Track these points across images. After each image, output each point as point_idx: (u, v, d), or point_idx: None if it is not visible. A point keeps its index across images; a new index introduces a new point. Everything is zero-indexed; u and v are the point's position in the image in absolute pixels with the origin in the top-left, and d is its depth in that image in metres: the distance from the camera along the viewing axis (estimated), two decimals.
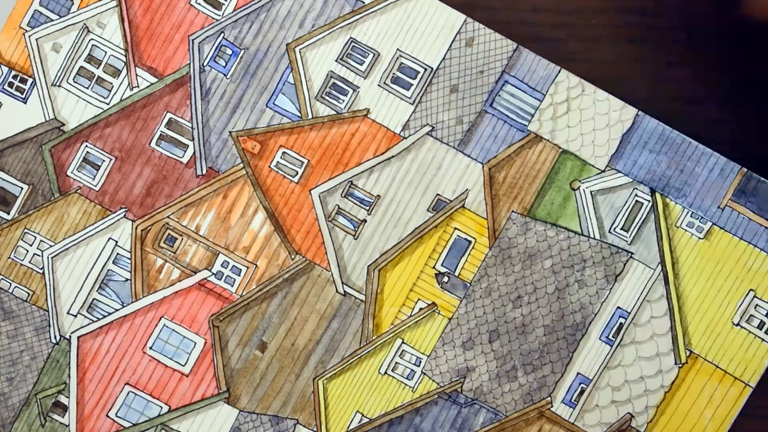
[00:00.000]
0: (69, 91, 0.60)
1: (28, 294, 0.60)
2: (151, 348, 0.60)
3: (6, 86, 0.59)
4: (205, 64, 0.60)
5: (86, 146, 0.60)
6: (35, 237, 0.60)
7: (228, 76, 0.59)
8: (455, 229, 0.60)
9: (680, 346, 0.59)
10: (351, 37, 0.59)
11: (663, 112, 0.60)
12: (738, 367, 0.59)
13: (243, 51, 0.59)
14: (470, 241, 0.60)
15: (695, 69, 0.62)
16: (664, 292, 0.59)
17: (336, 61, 0.60)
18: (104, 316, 0.60)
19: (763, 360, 0.59)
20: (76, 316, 0.60)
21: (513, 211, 0.60)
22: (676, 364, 0.59)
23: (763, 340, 0.59)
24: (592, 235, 0.59)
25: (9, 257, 0.60)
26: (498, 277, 0.60)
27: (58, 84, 0.59)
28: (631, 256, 0.59)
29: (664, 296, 0.59)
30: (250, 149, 0.60)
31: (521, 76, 0.59)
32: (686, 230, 0.59)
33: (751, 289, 0.59)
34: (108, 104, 0.60)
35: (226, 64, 0.59)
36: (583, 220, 0.60)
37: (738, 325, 0.59)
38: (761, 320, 0.59)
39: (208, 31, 0.59)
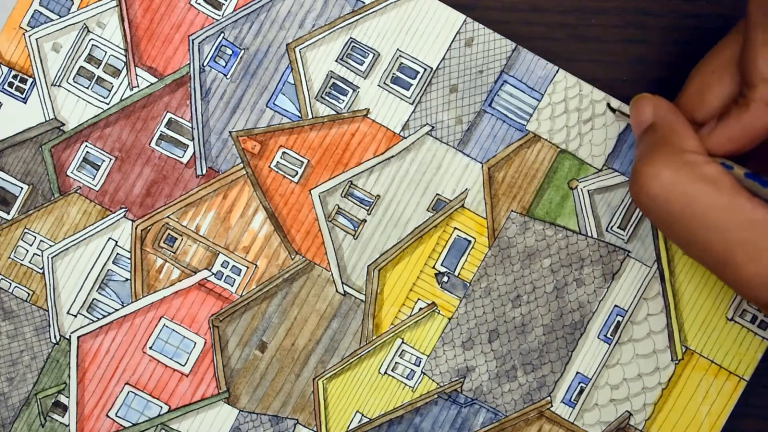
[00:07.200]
0: (69, 91, 0.62)
1: (28, 294, 0.62)
2: (151, 348, 0.62)
3: (6, 86, 0.62)
4: (205, 64, 0.62)
5: (86, 146, 0.62)
6: (35, 237, 0.62)
7: (228, 76, 0.62)
8: (455, 228, 0.63)
9: (676, 342, 0.62)
10: (351, 37, 0.62)
11: None
12: (732, 362, 0.62)
13: (243, 51, 0.62)
14: (470, 241, 0.63)
15: None
16: (660, 290, 0.62)
17: (336, 61, 0.63)
18: (104, 316, 0.62)
19: (756, 353, 0.62)
20: (76, 316, 0.62)
21: (512, 211, 0.63)
22: (672, 360, 0.62)
23: (756, 333, 0.62)
24: (589, 234, 0.63)
25: (9, 257, 0.62)
26: (497, 277, 0.63)
27: (58, 84, 0.62)
28: (627, 255, 0.62)
29: (660, 293, 0.62)
30: (250, 149, 0.63)
31: (520, 75, 0.62)
32: None
33: None
34: (108, 104, 0.62)
35: (226, 64, 0.62)
36: (580, 219, 0.63)
37: (732, 320, 0.62)
38: (754, 314, 0.62)
39: (208, 31, 0.62)
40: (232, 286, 0.62)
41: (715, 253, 0.50)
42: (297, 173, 0.63)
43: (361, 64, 0.62)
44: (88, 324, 0.62)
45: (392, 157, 0.62)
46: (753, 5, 0.52)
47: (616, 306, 0.62)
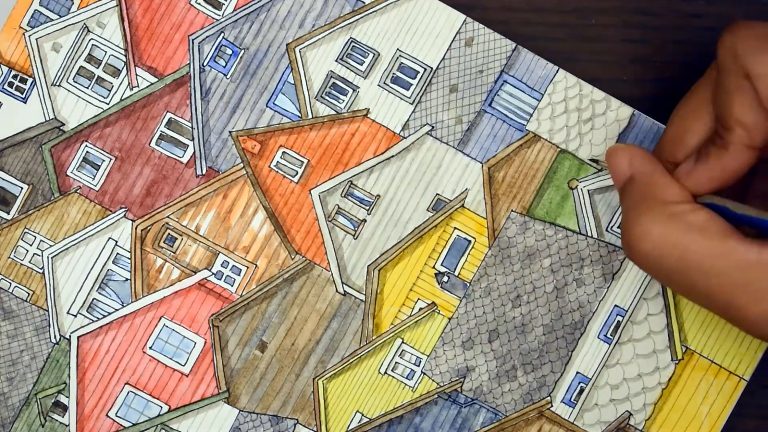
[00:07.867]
0: (69, 90, 0.62)
1: (28, 294, 0.62)
2: (151, 348, 0.63)
3: (6, 86, 0.62)
4: (205, 64, 0.63)
5: (86, 146, 0.63)
6: (35, 237, 0.62)
7: (228, 76, 0.62)
8: (455, 228, 0.63)
9: (676, 342, 0.62)
10: (351, 37, 0.63)
11: (663, 112, 0.63)
12: (733, 361, 0.62)
13: (243, 51, 0.63)
14: (470, 241, 0.63)
15: (695, 68, 0.65)
16: (660, 290, 0.63)
17: (336, 61, 0.63)
18: (104, 316, 0.62)
19: (756, 353, 0.62)
20: (76, 316, 0.62)
21: (512, 211, 0.63)
22: (672, 360, 0.62)
23: None
24: (589, 234, 0.63)
25: (9, 257, 0.62)
26: (497, 277, 0.63)
27: (58, 84, 0.62)
28: None
29: (660, 293, 0.63)
30: (250, 149, 0.63)
31: (520, 75, 0.63)
32: None
33: None
34: (108, 104, 0.62)
35: (226, 64, 0.63)
36: (580, 219, 0.63)
37: None
38: None
39: (208, 31, 0.62)
40: (232, 286, 0.63)
41: (717, 299, 0.51)
42: (297, 173, 0.63)
43: (361, 64, 0.63)
44: (88, 324, 0.62)
45: (392, 157, 0.63)
46: (722, 51, 0.52)
47: (616, 306, 0.62)
